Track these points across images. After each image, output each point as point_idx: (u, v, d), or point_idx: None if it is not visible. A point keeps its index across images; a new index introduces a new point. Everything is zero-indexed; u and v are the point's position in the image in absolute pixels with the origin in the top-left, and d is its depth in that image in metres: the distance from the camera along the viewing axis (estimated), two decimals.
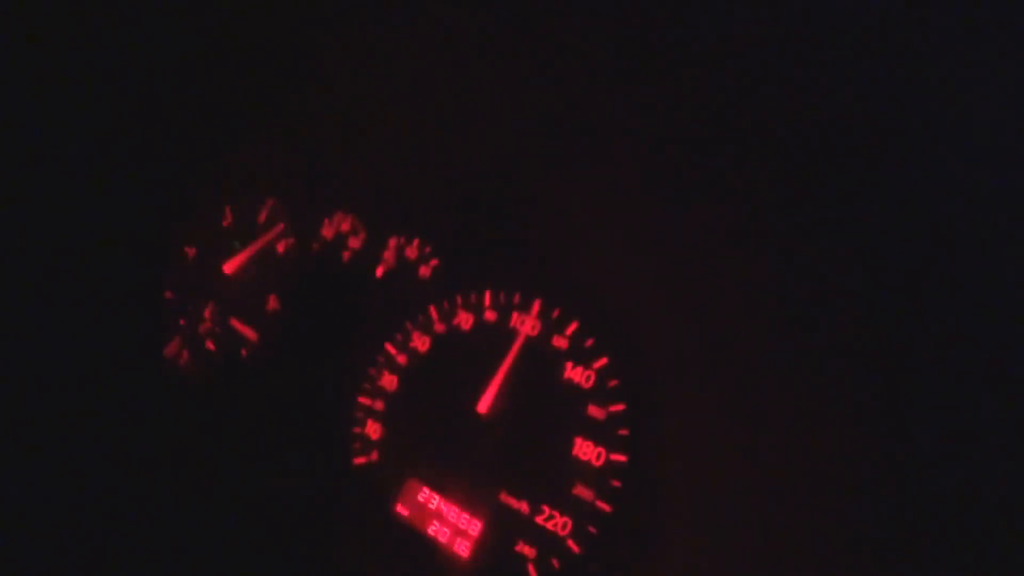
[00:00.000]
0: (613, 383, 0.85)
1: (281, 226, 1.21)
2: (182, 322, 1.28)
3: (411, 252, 1.05)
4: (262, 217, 1.26)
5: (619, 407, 0.84)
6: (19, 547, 0.95)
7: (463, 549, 0.85)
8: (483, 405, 0.88)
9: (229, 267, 1.22)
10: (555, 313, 0.91)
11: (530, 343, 0.91)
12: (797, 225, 0.76)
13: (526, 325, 0.92)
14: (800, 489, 0.72)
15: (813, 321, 0.75)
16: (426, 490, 0.90)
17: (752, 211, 0.80)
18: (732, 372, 0.80)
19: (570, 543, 0.81)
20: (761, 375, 0.78)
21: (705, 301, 0.85)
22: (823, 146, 0.64)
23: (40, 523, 0.99)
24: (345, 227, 1.13)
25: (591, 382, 0.86)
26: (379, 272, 1.07)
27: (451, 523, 0.87)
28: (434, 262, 1.03)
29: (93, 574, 0.94)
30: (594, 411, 0.85)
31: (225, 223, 1.33)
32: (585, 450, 0.84)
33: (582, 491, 0.82)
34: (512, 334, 0.92)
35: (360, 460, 0.97)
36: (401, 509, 0.91)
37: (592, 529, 0.81)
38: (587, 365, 0.87)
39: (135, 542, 0.98)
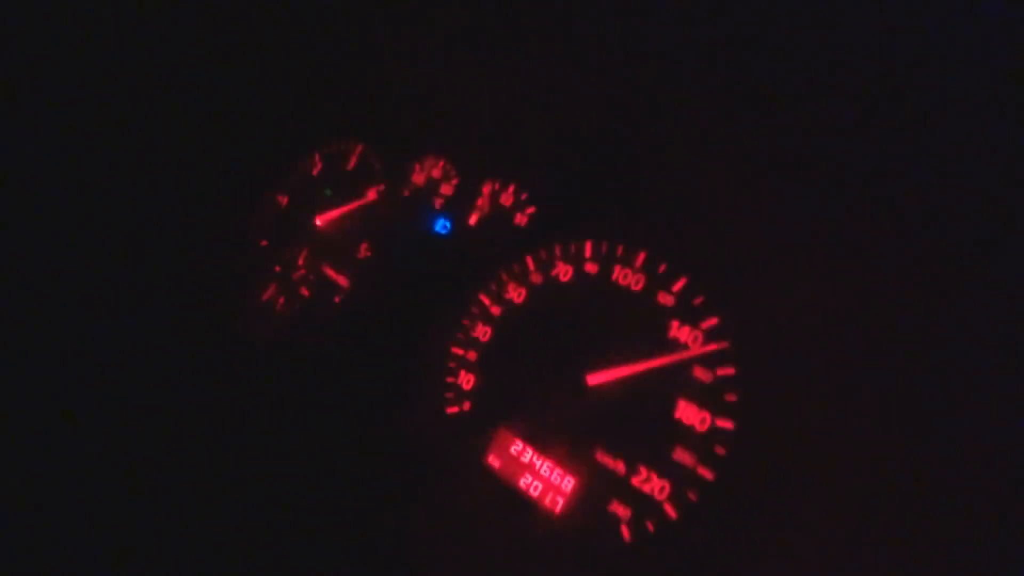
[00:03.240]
0: (723, 345, 0.79)
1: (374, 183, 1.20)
2: (277, 269, 1.32)
3: (506, 199, 1.01)
4: (352, 163, 1.26)
5: (728, 371, 0.78)
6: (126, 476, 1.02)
7: (555, 505, 0.84)
8: (595, 379, 0.84)
9: (321, 220, 1.24)
10: (661, 267, 0.85)
11: (633, 297, 0.86)
12: (936, 191, 0.66)
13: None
14: (923, 469, 0.64)
15: (952, 297, 0.66)
16: (519, 442, 0.89)
17: (890, 176, 0.70)
18: (856, 344, 0.72)
19: (667, 507, 0.77)
20: (889, 351, 0.70)
21: (830, 262, 0.76)
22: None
23: (150, 451, 1.07)
24: (436, 173, 1.10)
25: (698, 343, 0.80)
26: (473, 219, 1.04)
27: (543, 478, 0.86)
28: (531, 209, 0.98)
29: (195, 511, 1.00)
30: (700, 373, 0.79)
31: (315, 171, 1.34)
32: (688, 413, 0.79)
33: (683, 455, 0.78)
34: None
35: (452, 409, 0.96)
36: (493, 460, 0.90)
37: (692, 496, 0.77)
38: (695, 325, 0.81)
39: (234, 480, 1.04)
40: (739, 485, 0.76)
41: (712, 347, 0.79)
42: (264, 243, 1.38)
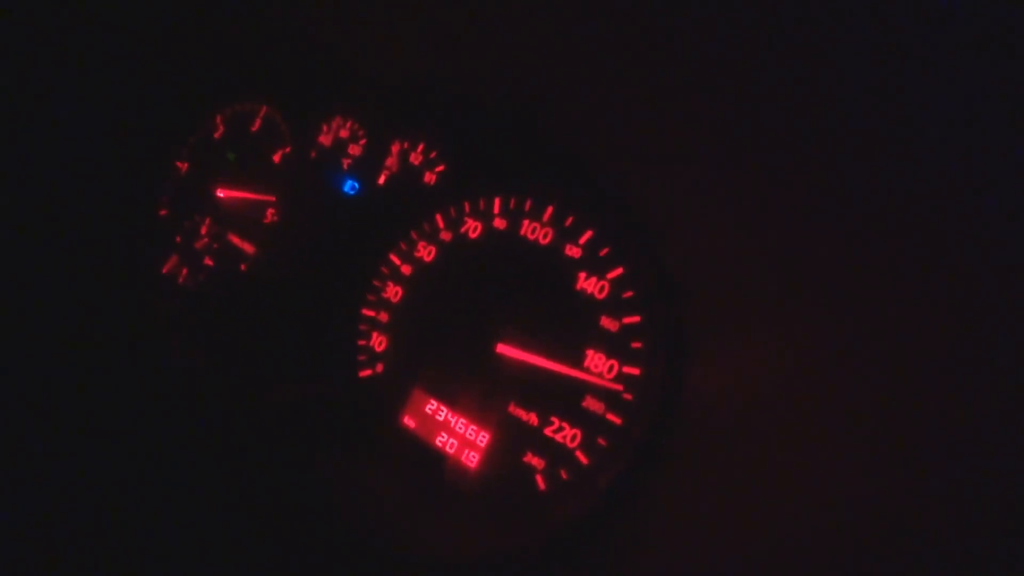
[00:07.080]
0: (628, 294, 0.81)
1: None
2: (178, 239, 1.24)
3: (415, 158, 0.99)
4: (255, 126, 1.19)
5: (634, 319, 0.81)
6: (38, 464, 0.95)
7: (471, 460, 0.84)
8: (505, 349, 0.85)
9: (223, 192, 1.17)
10: (568, 220, 0.86)
11: (541, 251, 0.86)
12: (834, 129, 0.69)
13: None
14: (823, 407, 0.68)
15: (846, 239, 0.70)
16: (433, 401, 0.88)
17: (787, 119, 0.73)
18: (757, 286, 0.75)
19: (579, 455, 0.80)
20: (787, 291, 0.73)
21: (729, 211, 0.79)
22: None
23: (50, 434, 0.99)
24: (344, 133, 1.06)
25: (605, 293, 0.82)
26: (381, 179, 1.01)
27: (459, 435, 0.86)
28: (440, 168, 0.97)
29: (100, 487, 0.94)
30: (607, 323, 0.81)
31: (217, 135, 1.26)
32: (597, 363, 0.81)
33: (592, 404, 0.80)
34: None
35: (365, 372, 0.94)
36: (408, 421, 0.89)
37: (601, 441, 0.79)
38: (601, 275, 0.83)
39: (144, 454, 0.98)
40: (646, 429, 0.79)
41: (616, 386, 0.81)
42: (164, 213, 1.29)
